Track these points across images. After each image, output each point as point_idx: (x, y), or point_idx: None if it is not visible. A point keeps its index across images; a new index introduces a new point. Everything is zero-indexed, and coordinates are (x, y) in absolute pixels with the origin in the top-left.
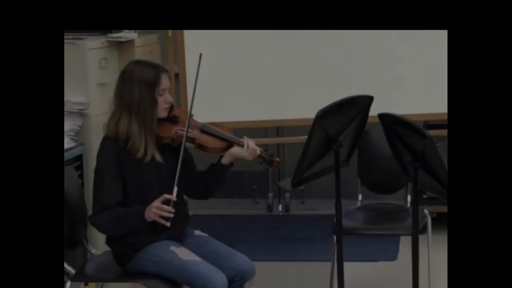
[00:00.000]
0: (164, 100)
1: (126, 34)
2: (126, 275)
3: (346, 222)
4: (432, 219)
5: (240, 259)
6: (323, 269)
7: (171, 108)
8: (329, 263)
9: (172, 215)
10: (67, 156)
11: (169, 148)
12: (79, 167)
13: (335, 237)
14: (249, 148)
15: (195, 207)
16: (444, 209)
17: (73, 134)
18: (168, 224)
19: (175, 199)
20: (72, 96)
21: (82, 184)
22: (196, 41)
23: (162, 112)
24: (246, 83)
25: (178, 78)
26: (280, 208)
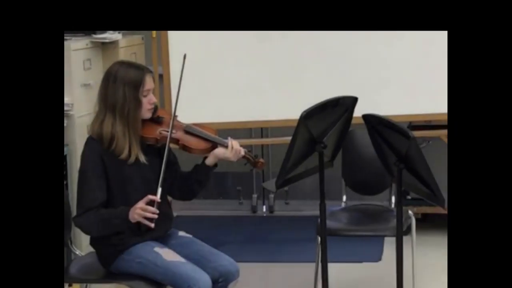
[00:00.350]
0: (148, 101)
1: (110, 35)
2: (110, 276)
3: (330, 223)
4: (416, 220)
5: (224, 260)
6: (307, 270)
7: (155, 109)
8: (313, 264)
9: (156, 216)
10: None
11: (153, 149)
12: (63, 168)
13: (319, 238)
14: (233, 149)
15: (179, 208)
16: (428, 210)
17: None
18: (152, 225)
19: (159, 200)
20: None
21: (66, 185)
22: (180, 42)
23: (146, 113)
24: (230, 84)
25: (162, 79)
26: (264, 209)
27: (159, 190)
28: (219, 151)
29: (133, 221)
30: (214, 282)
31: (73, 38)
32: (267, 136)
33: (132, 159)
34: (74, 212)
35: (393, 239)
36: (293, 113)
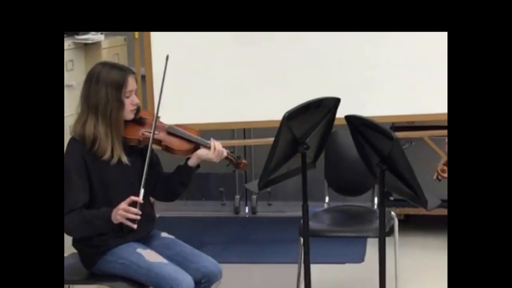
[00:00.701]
0: (131, 102)
1: (93, 36)
2: (92, 277)
3: (313, 224)
4: (399, 221)
5: (207, 261)
6: (290, 271)
7: (137, 110)
8: (296, 265)
9: (138, 217)
10: None
11: (136, 150)
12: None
13: (302, 239)
14: (215, 150)
15: (162, 209)
16: (411, 211)
17: None
18: (135, 226)
19: (142, 201)
20: None
21: None
22: (163, 43)
23: (128, 114)
24: (212, 85)
25: (145, 80)
26: (247, 210)
27: (142, 191)
28: (202, 152)
29: (115, 222)
30: (197, 283)
31: None
32: (249, 137)
33: (115, 160)
34: None
35: (376, 240)
36: (276, 114)
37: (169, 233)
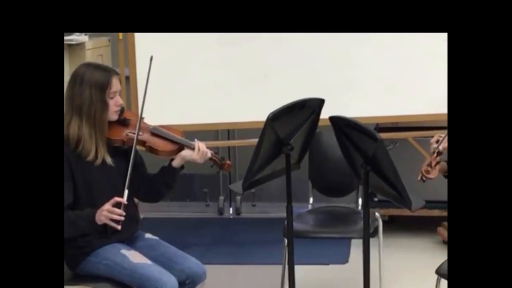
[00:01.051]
0: (115, 103)
1: (77, 37)
2: (76, 278)
3: (297, 225)
4: (383, 222)
5: (191, 262)
6: (274, 272)
7: (121, 111)
8: (280, 266)
9: (122, 218)
10: None
11: (120, 151)
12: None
13: (286, 240)
14: (200, 151)
15: (146, 210)
16: (395, 212)
17: None
18: (119, 227)
19: (126, 202)
20: None
21: None
22: (147, 44)
23: (112, 115)
24: (197, 86)
25: (129, 81)
26: (231, 211)
27: (126, 192)
28: (186, 153)
29: (99, 223)
30: (181, 284)
31: None
32: (233, 138)
33: (99, 161)
34: None
35: (360, 241)
36: (260, 115)
37: (153, 234)
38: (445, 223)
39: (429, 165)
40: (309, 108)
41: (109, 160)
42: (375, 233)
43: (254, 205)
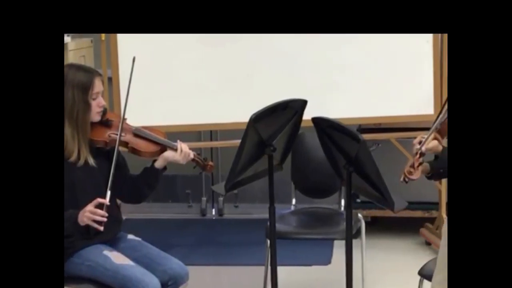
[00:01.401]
0: (97, 104)
1: None
2: None
3: (280, 226)
4: (366, 223)
5: (174, 263)
6: (257, 273)
7: (104, 112)
8: (263, 267)
9: (105, 219)
10: None
11: (103, 152)
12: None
13: (268, 241)
14: (182, 152)
15: (129, 211)
16: (378, 213)
17: None
18: (102, 228)
19: (108, 203)
20: None
21: None
22: (130, 45)
23: (95, 116)
24: (179, 87)
25: (111, 82)
26: (213, 212)
27: (108, 193)
28: (168, 154)
29: (82, 224)
30: (164, 285)
31: None
32: (216, 139)
33: (81, 162)
34: None
35: (343, 242)
36: (243, 116)
37: (135, 235)
38: (428, 224)
39: (412, 166)
40: (292, 109)
41: (91, 161)
42: (357, 234)
43: (236, 206)
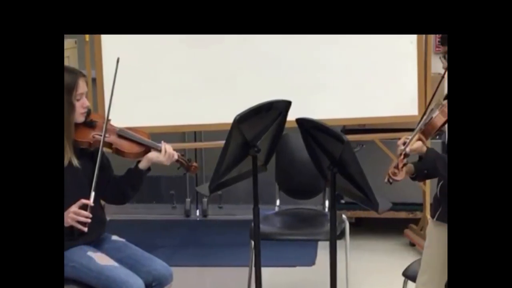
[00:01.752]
0: (81, 105)
1: None
2: None
3: (264, 227)
4: (350, 224)
5: (158, 264)
6: (241, 274)
7: (88, 113)
8: (247, 268)
9: (89, 220)
10: None
11: (87, 153)
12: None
13: (252, 242)
14: (166, 153)
15: (113, 212)
16: (362, 214)
17: None
18: (86, 229)
19: (92, 204)
20: None
21: None
22: (114, 46)
23: (79, 117)
24: (163, 87)
25: (95, 83)
26: (197, 213)
27: (92, 194)
28: (152, 155)
29: (66, 225)
30: (148, 286)
31: None
32: (200, 140)
33: (65, 163)
34: None
35: (327, 243)
36: (227, 116)
37: (119, 236)
38: (412, 225)
39: (396, 167)
40: (276, 110)
41: (75, 162)
42: (342, 235)
43: (221, 207)
